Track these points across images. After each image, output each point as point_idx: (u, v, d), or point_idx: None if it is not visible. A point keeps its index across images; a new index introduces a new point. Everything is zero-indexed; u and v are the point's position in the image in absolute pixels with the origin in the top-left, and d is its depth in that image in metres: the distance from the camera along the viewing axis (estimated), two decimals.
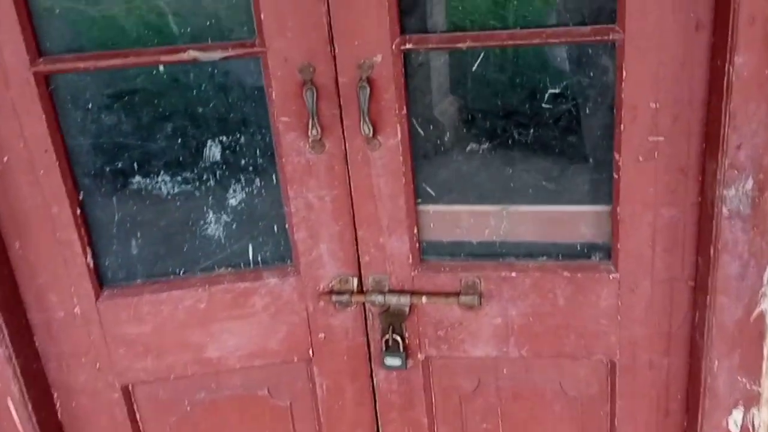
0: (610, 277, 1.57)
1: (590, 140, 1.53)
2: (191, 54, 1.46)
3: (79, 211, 1.57)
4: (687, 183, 1.46)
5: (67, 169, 1.54)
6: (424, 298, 1.64)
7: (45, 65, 1.45)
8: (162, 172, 1.58)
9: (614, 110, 1.44)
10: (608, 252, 1.58)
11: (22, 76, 1.44)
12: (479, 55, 1.51)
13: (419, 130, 1.58)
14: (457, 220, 1.66)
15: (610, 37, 1.38)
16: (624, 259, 1.55)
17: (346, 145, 1.55)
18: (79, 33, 1.45)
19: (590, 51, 1.46)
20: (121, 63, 1.46)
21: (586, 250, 1.61)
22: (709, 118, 1.39)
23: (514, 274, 1.62)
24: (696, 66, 1.37)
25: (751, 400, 1.54)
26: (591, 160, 1.55)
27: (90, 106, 1.51)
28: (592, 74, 1.47)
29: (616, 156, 1.47)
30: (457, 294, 1.63)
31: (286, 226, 1.63)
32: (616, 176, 1.49)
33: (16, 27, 1.41)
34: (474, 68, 1.52)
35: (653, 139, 1.44)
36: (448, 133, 1.60)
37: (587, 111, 1.51)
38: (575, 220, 1.61)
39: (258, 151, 1.58)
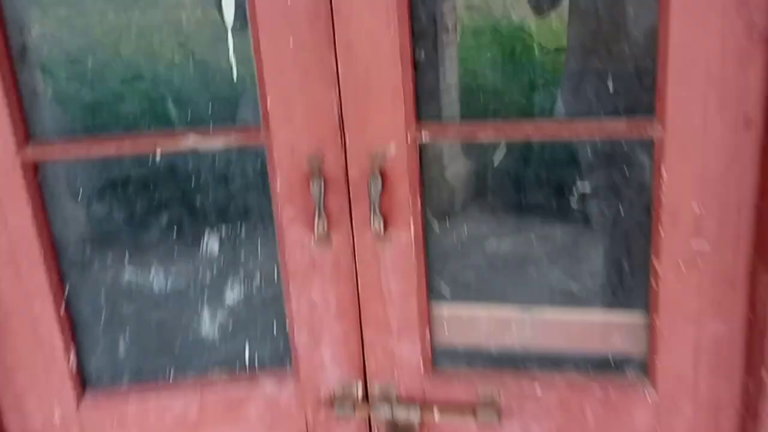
0: (647, 397, 1.39)
1: (624, 242, 1.39)
2: (190, 142, 1.35)
3: (63, 308, 1.45)
4: (735, 296, 1.31)
5: (53, 263, 1.42)
6: (436, 412, 1.47)
7: (33, 152, 1.35)
8: (155, 266, 1.46)
9: (652, 211, 1.31)
10: (644, 368, 1.41)
11: (7, 164, 1.34)
12: (500, 145, 1.39)
13: (434, 224, 1.45)
14: (475, 323, 1.51)
15: (648, 133, 1.25)
16: (663, 378, 1.38)
17: (355, 240, 1.42)
18: (72, 117, 1.36)
19: (624, 145, 1.33)
20: (115, 150, 1.36)
21: (619, 364, 1.44)
22: (761, 224, 1.25)
23: (538, 388, 1.45)
24: (745, 167, 1.23)
25: None
26: (625, 263, 1.41)
27: (80, 195, 1.40)
28: (626, 171, 1.34)
29: (655, 262, 1.32)
30: (474, 408, 1.46)
31: (286, 326, 1.49)
32: (654, 285, 1.33)
33: (4, 110, 1.31)
34: (495, 158, 1.40)
35: (697, 246, 1.29)
36: (466, 228, 1.47)
37: (621, 210, 1.37)
38: (607, 328, 1.45)
39: (259, 245, 1.46)
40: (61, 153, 1.36)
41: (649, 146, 1.28)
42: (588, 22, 1.36)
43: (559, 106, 1.36)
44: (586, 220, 1.38)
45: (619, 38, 1.33)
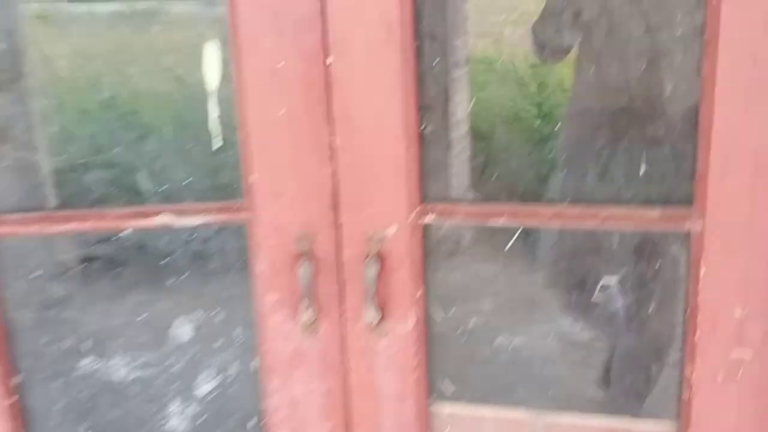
0: None
1: (652, 344, 1.23)
2: (163, 219, 1.20)
3: (13, 399, 1.28)
4: None
5: (2, 349, 1.26)
6: None
7: None
8: (119, 354, 1.29)
9: (686, 313, 1.15)
10: None
11: None
12: (518, 229, 1.24)
13: (438, 313, 1.29)
14: (480, 426, 1.34)
15: (686, 225, 1.10)
16: None
17: (345, 330, 1.27)
18: (31, 189, 1.20)
19: (655, 236, 1.18)
20: (77, 228, 1.21)
21: None
22: None
23: None
24: None
25: None
26: (653, 366, 1.24)
27: (37, 274, 1.24)
28: (656, 264, 1.19)
29: (688, 370, 1.16)
30: None
31: (263, 424, 1.33)
32: (686, 394, 1.18)
33: None
34: (510, 244, 1.25)
35: (737, 355, 1.14)
36: (474, 320, 1.31)
37: (649, 308, 1.21)
38: None
39: (237, 332, 1.30)
40: (16, 230, 1.20)
41: (686, 239, 1.14)
42: (599, 82, 1.23)
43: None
44: (609, 316, 1.22)
45: (639, 108, 1.20)
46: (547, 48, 1.27)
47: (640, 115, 1.15)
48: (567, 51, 1.28)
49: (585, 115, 1.27)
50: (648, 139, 1.15)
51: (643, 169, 1.16)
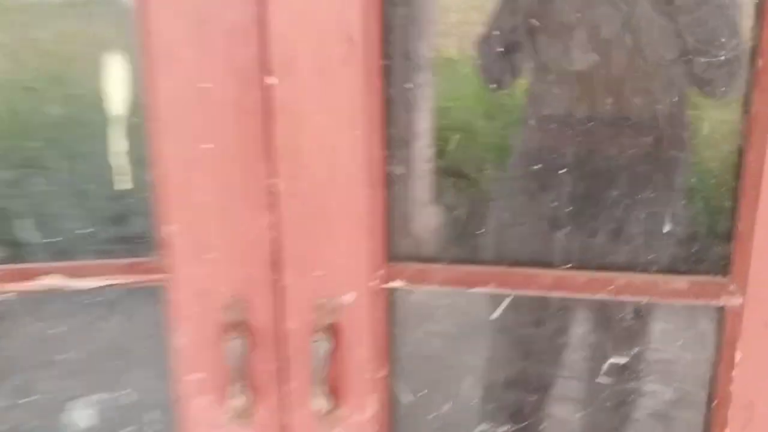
0: None
1: None
2: (53, 281, 0.93)
3: None
4: None
5: None
6: None
7: None
8: None
9: (711, 402, 0.94)
10: None
11: None
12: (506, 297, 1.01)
13: (404, 395, 1.05)
14: None
15: (720, 301, 0.89)
16: None
17: (288, 417, 1.04)
18: None
19: (679, 308, 0.97)
20: None
21: None
22: None
23: None
24: None
25: None
26: None
27: None
28: (679, 342, 0.98)
29: None
30: None
31: None
32: None
33: None
34: (496, 313, 1.01)
35: None
36: (451, 403, 1.07)
37: (667, 394, 0.99)
38: None
39: (151, 417, 1.04)
40: None
41: (717, 315, 0.92)
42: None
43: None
44: (620, 403, 1.00)
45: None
46: (495, 71, 1.02)
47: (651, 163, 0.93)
48: (515, 75, 1.03)
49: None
50: (672, 190, 0.94)
51: (667, 227, 0.94)
